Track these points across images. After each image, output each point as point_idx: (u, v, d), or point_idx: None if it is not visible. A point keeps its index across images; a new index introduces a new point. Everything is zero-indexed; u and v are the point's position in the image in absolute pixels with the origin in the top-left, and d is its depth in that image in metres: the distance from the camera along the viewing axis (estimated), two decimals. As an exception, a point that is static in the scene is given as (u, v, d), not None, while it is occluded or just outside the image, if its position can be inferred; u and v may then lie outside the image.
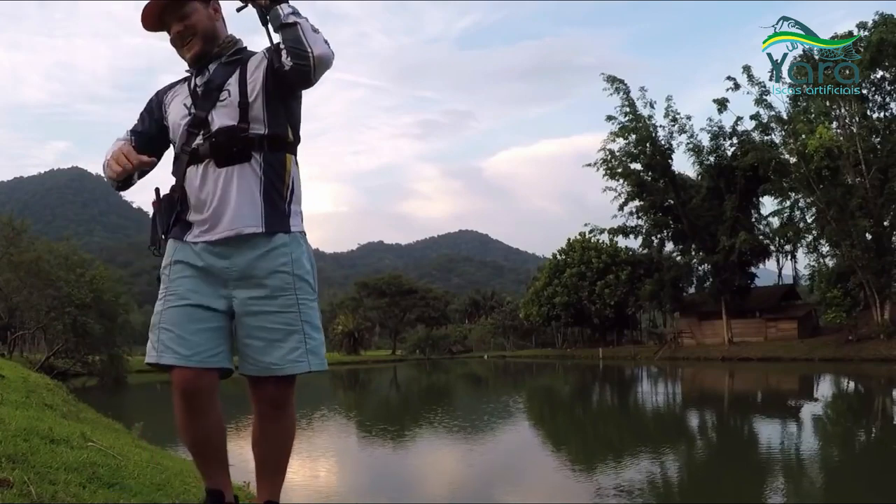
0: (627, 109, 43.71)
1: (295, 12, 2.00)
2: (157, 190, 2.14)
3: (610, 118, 44.23)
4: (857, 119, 37.17)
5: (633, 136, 43.56)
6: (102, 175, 2.13)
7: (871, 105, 37.47)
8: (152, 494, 2.77)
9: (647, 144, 43.45)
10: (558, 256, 58.99)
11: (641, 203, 45.80)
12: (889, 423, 15.68)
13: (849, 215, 35.45)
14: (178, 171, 2.07)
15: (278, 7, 1.98)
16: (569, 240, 58.46)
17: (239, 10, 2.06)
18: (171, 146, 2.16)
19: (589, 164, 46.11)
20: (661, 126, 44.16)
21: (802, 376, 29.32)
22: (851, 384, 25.29)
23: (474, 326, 78.20)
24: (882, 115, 37.60)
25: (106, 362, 31.85)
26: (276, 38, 2.01)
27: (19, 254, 30.76)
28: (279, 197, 2.07)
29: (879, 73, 36.23)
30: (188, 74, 2.17)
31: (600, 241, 53.27)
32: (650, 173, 44.83)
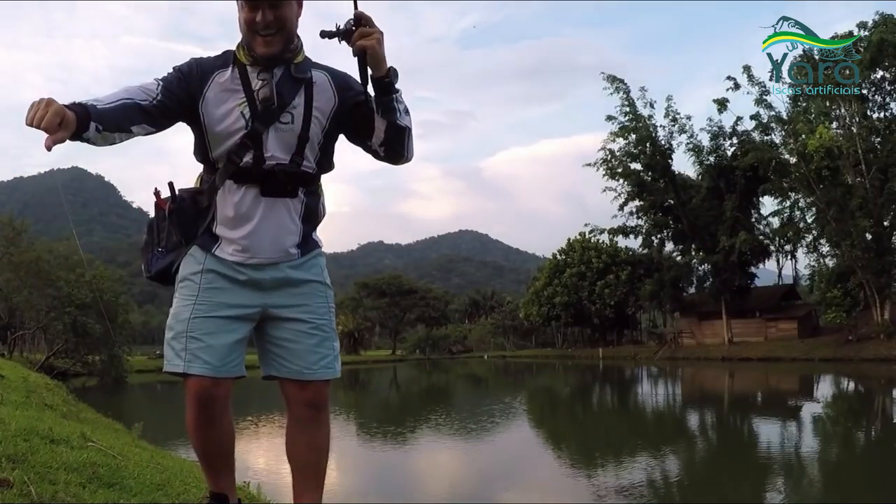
0: (627, 109, 43.75)
1: (406, 107, 1.92)
2: (171, 185, 2.04)
3: (610, 118, 44.32)
4: (857, 119, 37.16)
5: (633, 136, 43.56)
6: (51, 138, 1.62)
7: (871, 105, 37.45)
8: (152, 494, 2.77)
9: (647, 144, 43.45)
10: (558, 256, 58.97)
11: (641, 203, 45.81)
12: (889, 423, 15.67)
13: (849, 215, 35.44)
14: (220, 178, 1.94)
15: (395, 100, 1.87)
16: (569, 240, 58.45)
17: (325, 37, 1.80)
18: (204, 141, 1.97)
19: (589, 164, 46.22)
20: (661, 126, 44.25)
21: (802, 376, 29.31)
22: (851, 384, 25.29)
23: (474, 326, 78.21)
24: (882, 115, 37.60)
25: (106, 362, 31.84)
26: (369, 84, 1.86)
27: (19, 254, 30.78)
28: (315, 221, 2.09)
29: (879, 73, 36.21)
30: (243, 63, 1.92)
31: (600, 241, 53.28)
32: (650, 173, 44.83)
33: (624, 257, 54.07)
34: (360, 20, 1.76)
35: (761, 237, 44.08)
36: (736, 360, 39.19)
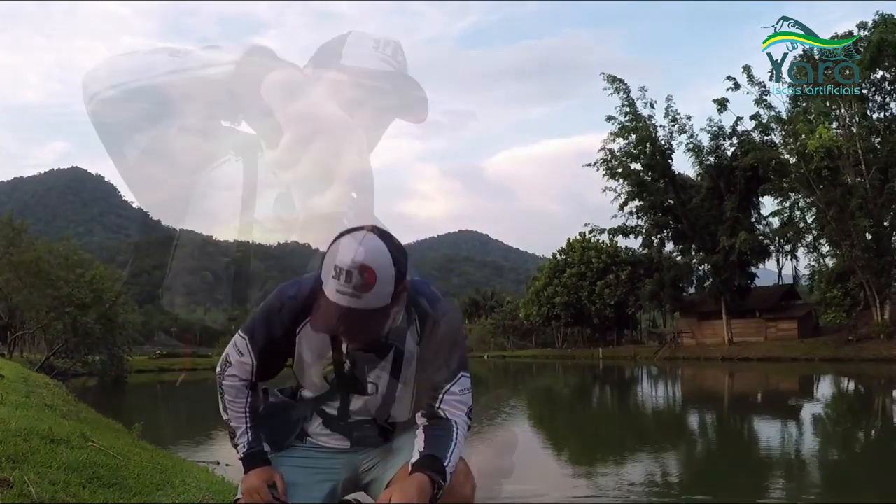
0: (627, 109, 43.77)
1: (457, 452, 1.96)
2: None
3: (610, 118, 44.35)
4: (857, 119, 37.19)
5: (634, 136, 43.58)
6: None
7: (871, 105, 37.51)
8: (152, 494, 2.77)
9: (647, 144, 43.47)
10: (558, 256, 59.01)
11: (641, 203, 45.83)
12: (889, 423, 15.68)
13: (849, 215, 35.46)
14: (312, 422, 2.03)
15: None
16: (569, 240, 58.52)
17: None
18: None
19: (589, 164, 46.24)
20: (661, 126, 44.30)
21: (802, 376, 29.30)
22: (851, 384, 25.28)
23: (474, 326, 78.22)
24: (882, 115, 37.68)
25: (106, 362, 31.82)
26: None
27: (19, 254, 30.73)
28: None
29: (879, 73, 36.28)
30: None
31: (600, 241, 53.32)
32: (650, 173, 44.85)
33: (624, 257, 54.08)
34: None
35: (761, 237, 44.10)
36: (736, 360, 39.17)
